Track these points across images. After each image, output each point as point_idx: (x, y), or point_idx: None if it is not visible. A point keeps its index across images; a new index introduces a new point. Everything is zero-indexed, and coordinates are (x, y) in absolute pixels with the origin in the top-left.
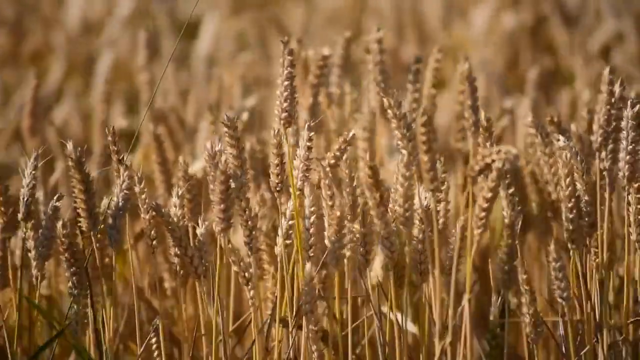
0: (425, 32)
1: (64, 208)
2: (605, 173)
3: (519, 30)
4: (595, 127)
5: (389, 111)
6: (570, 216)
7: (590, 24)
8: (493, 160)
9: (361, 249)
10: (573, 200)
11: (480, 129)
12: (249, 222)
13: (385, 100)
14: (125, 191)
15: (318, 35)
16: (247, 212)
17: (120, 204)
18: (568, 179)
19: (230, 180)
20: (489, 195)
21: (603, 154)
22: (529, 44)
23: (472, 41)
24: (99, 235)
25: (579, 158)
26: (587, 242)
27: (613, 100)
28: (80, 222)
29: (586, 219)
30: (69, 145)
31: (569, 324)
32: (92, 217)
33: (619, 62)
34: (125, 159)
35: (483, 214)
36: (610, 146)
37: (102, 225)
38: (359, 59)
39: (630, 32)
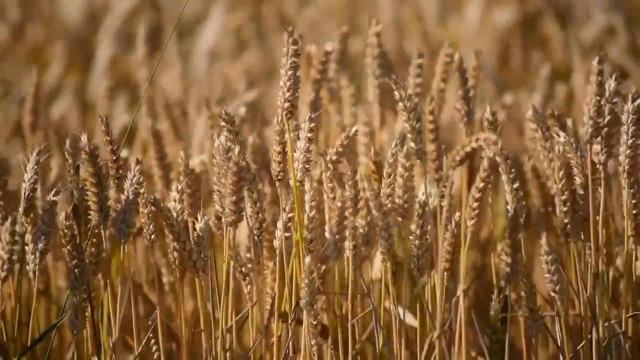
0: (421, 28)
1: (61, 203)
2: (599, 166)
3: (511, 25)
4: (585, 119)
5: (400, 103)
6: (564, 209)
7: (581, 19)
8: (473, 149)
9: (359, 242)
10: (567, 193)
11: (486, 124)
12: (259, 215)
13: (396, 92)
14: (135, 185)
15: (316, 29)
16: (257, 205)
17: (131, 197)
18: (561, 172)
19: (242, 172)
20: (481, 185)
21: (595, 146)
22: (520, 40)
23: (466, 36)
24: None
25: (578, 153)
26: (582, 236)
27: (603, 92)
28: (79, 215)
29: (580, 212)
30: (84, 138)
31: (565, 318)
32: (103, 211)
33: (612, 56)
34: (120, 150)
35: (476, 204)
36: (605, 140)
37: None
38: (357, 53)
39: (620, 26)
